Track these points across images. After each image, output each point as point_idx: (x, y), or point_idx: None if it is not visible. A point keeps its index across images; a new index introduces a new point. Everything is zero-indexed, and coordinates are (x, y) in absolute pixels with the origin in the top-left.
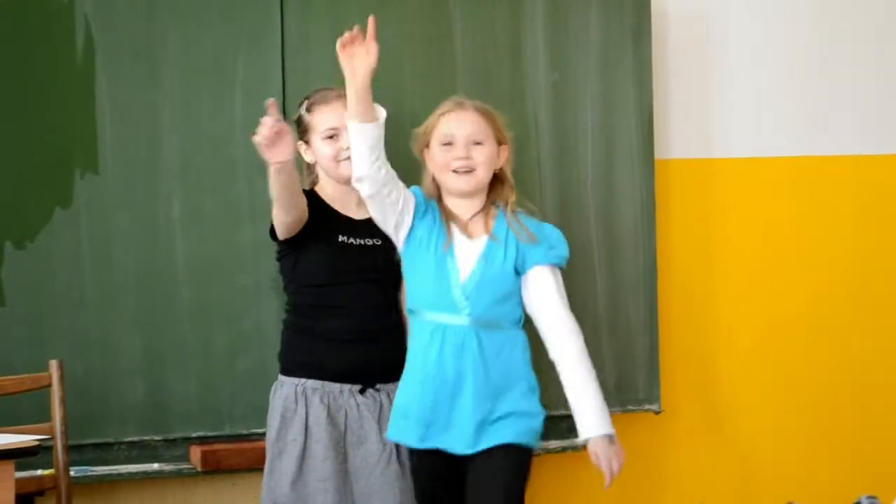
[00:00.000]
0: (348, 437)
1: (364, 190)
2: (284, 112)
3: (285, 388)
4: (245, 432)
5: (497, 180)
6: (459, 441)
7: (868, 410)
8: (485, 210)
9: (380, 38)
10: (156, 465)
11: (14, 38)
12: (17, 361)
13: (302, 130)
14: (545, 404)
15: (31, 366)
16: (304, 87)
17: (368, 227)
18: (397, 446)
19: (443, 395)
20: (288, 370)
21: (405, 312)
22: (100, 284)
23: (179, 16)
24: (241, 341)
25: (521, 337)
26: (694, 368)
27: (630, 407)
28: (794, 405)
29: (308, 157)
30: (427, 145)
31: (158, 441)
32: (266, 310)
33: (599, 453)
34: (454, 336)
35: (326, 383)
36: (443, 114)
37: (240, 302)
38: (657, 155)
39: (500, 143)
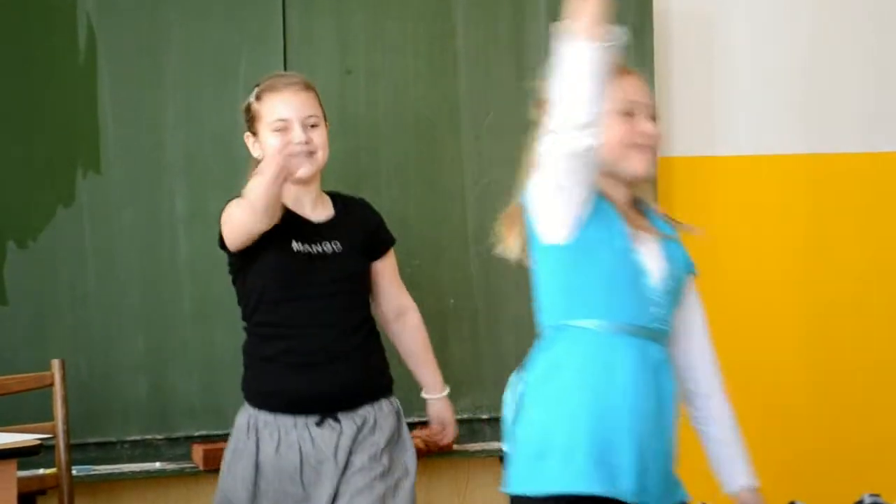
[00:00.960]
0: (305, 473)
1: (583, 143)
2: None
3: (240, 417)
4: None
5: None
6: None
7: (870, 409)
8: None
9: (383, 35)
10: (158, 465)
11: (16, 36)
12: (19, 361)
13: (249, 120)
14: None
15: (34, 365)
16: None
17: (330, 230)
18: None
19: (647, 431)
20: (246, 397)
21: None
22: (103, 283)
23: (182, 12)
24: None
25: None
26: None
27: None
28: (794, 404)
29: (255, 151)
30: None
31: (161, 440)
32: None
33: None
34: (654, 352)
35: (279, 416)
36: (614, 76)
37: None
38: (660, 153)
39: None
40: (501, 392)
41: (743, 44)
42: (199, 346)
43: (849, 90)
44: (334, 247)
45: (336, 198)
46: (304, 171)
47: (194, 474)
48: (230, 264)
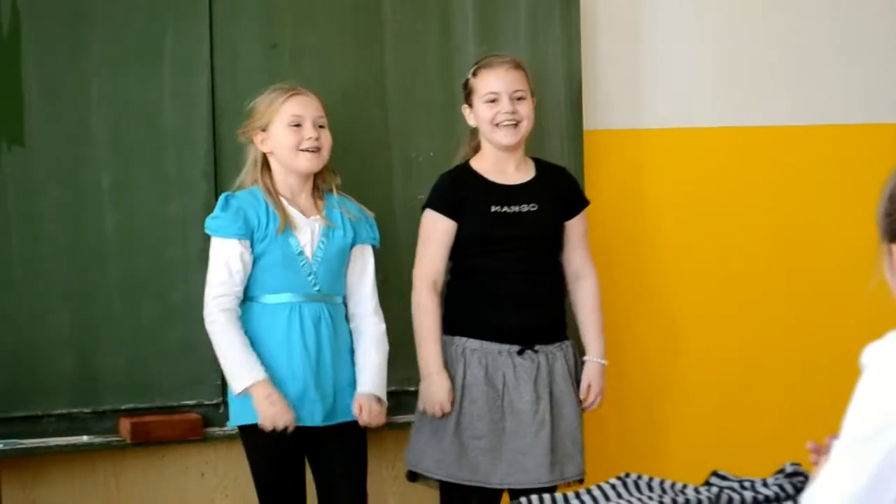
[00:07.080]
0: (505, 398)
1: None
2: (213, 88)
3: (446, 348)
4: (174, 404)
5: None
6: None
7: (796, 384)
8: None
9: (309, 9)
10: (85, 438)
11: None
12: None
13: (467, 94)
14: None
15: None
16: (231, 58)
17: (524, 192)
18: (552, 409)
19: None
20: (449, 330)
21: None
22: (28, 257)
23: None
24: (170, 314)
25: None
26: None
27: None
28: (727, 375)
29: (471, 121)
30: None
31: (87, 413)
32: (194, 283)
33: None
34: (311, 310)
35: (485, 343)
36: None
37: (169, 275)
38: (586, 126)
39: None
40: None
41: (670, 14)
42: (125, 320)
43: (776, 63)
44: (530, 207)
45: (539, 163)
46: (509, 139)
47: (121, 447)
48: None
